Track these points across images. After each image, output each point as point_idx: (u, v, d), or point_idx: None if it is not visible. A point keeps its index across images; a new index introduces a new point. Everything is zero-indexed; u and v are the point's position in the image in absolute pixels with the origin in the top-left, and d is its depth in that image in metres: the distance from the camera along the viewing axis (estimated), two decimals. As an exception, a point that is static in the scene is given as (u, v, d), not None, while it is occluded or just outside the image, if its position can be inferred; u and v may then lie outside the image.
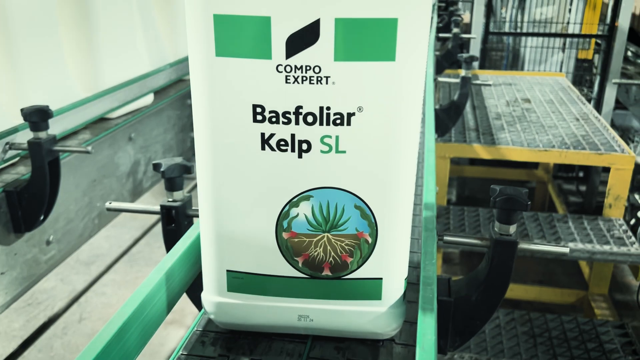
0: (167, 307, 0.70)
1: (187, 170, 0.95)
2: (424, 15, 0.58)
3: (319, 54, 0.58)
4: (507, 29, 4.99)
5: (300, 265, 0.67)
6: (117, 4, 1.88)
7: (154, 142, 1.99)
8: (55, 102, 1.60)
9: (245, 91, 0.60)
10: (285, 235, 0.66)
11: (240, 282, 0.68)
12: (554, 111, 2.98)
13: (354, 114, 0.60)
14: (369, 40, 0.57)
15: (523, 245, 0.76)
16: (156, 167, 0.93)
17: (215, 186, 0.65)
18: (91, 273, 3.40)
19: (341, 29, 0.57)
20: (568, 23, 4.32)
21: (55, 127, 1.55)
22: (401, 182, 0.64)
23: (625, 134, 3.95)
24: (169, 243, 0.96)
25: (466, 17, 5.13)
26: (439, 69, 3.54)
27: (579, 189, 4.36)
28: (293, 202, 0.64)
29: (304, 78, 0.59)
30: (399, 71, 0.59)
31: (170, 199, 0.95)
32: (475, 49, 4.38)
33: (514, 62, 5.04)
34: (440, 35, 3.52)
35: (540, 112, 2.99)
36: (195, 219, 0.96)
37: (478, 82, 2.23)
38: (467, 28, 4.36)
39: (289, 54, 0.58)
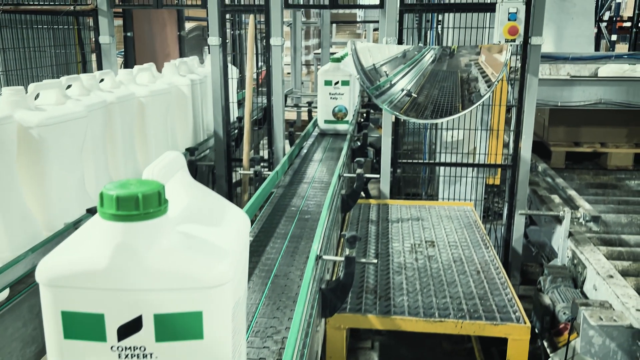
0: None
1: None
2: (224, 307, 0.95)
3: (143, 337, 0.93)
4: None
5: None
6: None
7: (10, 341, 2.18)
8: None
9: (87, 364, 0.94)
10: None
11: None
12: (457, 259, 3.47)
13: (175, 378, 0.94)
14: (181, 326, 0.93)
15: None
16: None
17: None
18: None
19: (159, 320, 0.92)
20: (474, 151, 5.00)
21: None
22: None
23: (541, 251, 4.52)
24: None
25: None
26: (345, 207, 4.04)
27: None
28: None
29: (133, 355, 0.93)
30: (207, 345, 0.94)
31: None
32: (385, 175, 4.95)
33: (430, 182, 5.72)
34: (345, 175, 4.04)
35: (443, 259, 3.47)
36: None
37: (363, 260, 2.67)
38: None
39: (120, 338, 0.93)
